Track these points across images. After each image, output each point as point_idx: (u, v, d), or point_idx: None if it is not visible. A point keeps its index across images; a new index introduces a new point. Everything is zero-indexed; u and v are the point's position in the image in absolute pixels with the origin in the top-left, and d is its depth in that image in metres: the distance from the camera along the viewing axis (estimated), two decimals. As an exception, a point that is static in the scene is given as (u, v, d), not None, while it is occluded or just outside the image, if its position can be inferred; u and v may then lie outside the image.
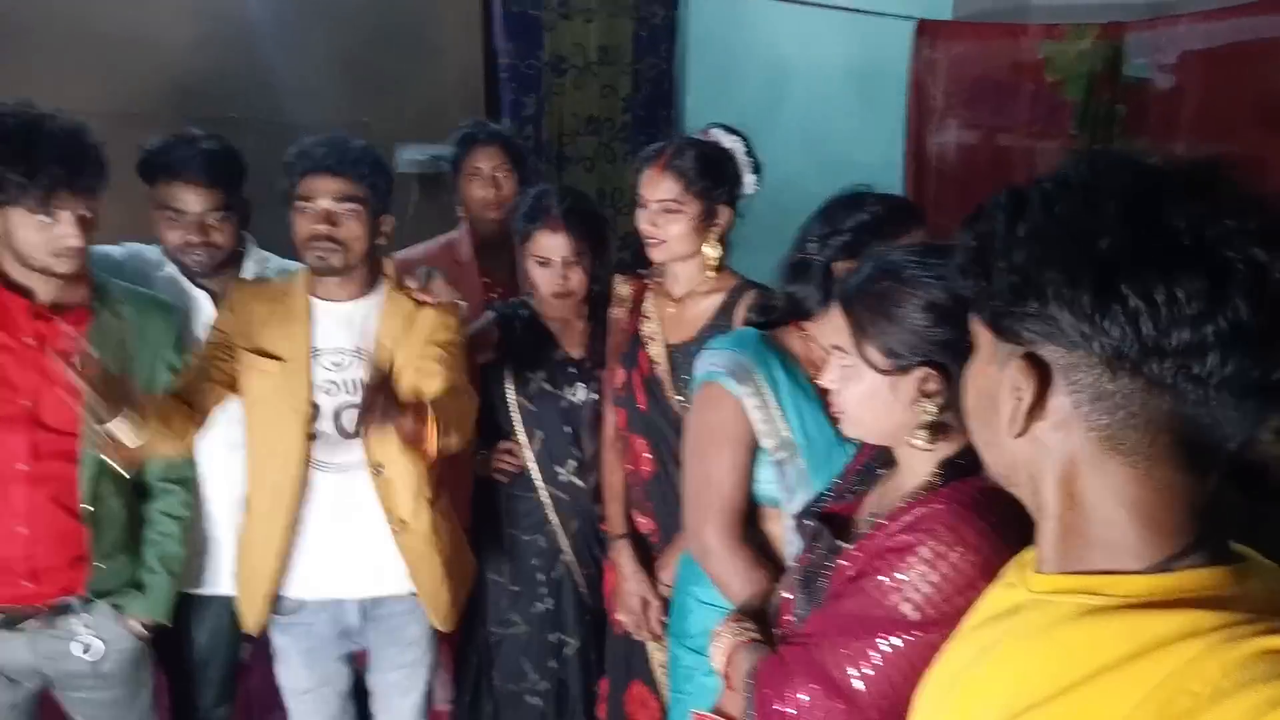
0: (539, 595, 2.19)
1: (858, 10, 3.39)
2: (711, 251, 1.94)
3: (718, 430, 1.61)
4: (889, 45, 3.34)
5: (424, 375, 1.90)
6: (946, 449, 1.15)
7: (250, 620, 1.99)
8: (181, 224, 1.99)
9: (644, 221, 1.93)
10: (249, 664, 2.34)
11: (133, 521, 1.95)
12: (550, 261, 2.05)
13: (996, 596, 0.87)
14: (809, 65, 3.69)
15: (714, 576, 1.63)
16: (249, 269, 2.14)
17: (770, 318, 1.69)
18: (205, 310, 2.07)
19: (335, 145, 1.88)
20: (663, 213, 1.90)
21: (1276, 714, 0.58)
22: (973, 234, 0.76)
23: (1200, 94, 2.87)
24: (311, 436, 1.91)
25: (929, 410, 1.12)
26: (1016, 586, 0.83)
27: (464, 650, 2.34)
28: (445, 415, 1.76)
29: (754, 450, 1.61)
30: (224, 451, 2.02)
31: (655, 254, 1.95)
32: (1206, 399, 0.67)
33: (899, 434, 1.17)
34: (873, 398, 1.16)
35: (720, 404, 1.60)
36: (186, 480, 2.01)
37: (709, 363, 1.64)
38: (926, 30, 3.29)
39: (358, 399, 1.91)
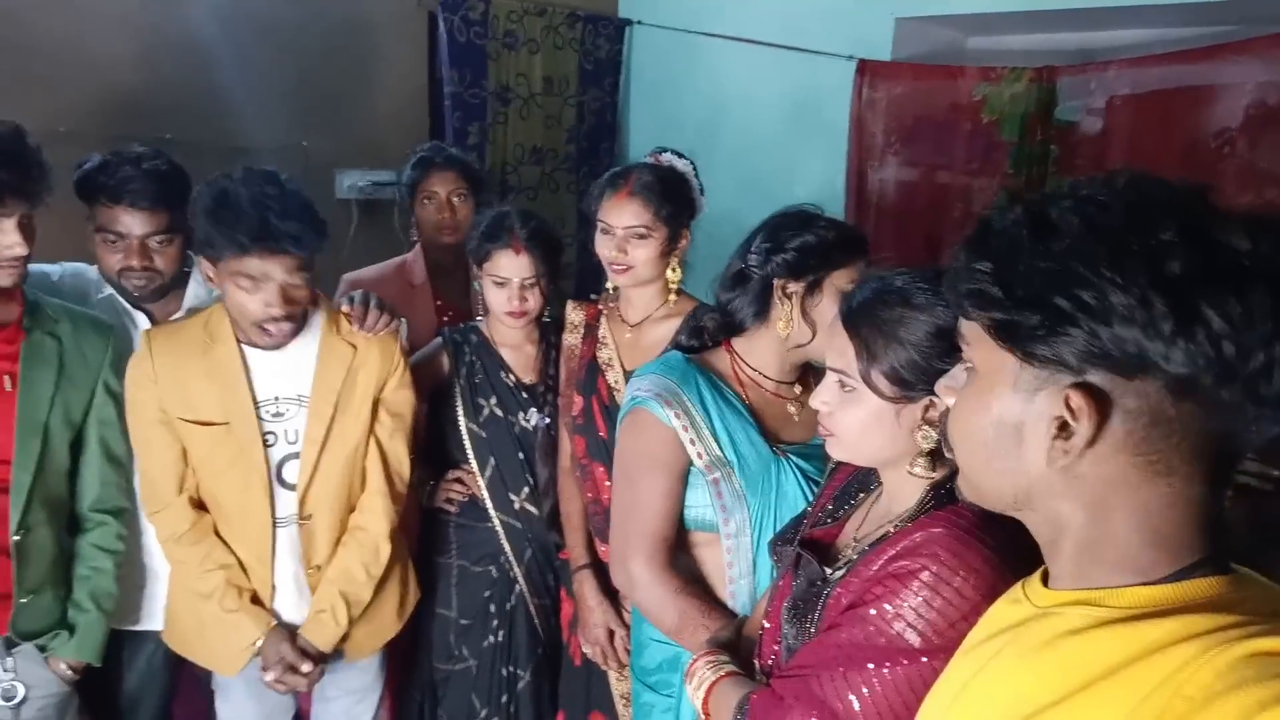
0: (491, 628, 2.12)
1: (799, 49, 3.46)
2: (673, 275, 1.94)
3: (645, 456, 1.57)
4: (829, 82, 3.41)
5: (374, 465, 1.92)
6: (937, 473, 1.13)
7: (231, 667, 1.88)
8: (121, 248, 1.88)
9: (609, 248, 1.91)
10: (176, 703, 2.22)
11: (63, 555, 1.83)
12: (508, 282, 2.02)
13: (1000, 612, 0.87)
14: (751, 101, 3.74)
15: (641, 606, 1.60)
16: (192, 291, 2.05)
17: (701, 339, 1.68)
18: (139, 323, 1.98)
19: (269, 218, 1.65)
20: (631, 238, 1.89)
21: (1266, 715, 0.58)
22: (983, 255, 0.73)
23: (1128, 136, 2.98)
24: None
25: (931, 437, 1.11)
26: (1021, 602, 0.83)
27: (407, 688, 2.25)
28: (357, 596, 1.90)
29: (684, 476, 1.58)
30: None
31: (621, 279, 1.93)
32: (1260, 417, 0.67)
33: (896, 460, 1.16)
34: (876, 423, 1.14)
35: (647, 429, 1.57)
36: (121, 511, 1.90)
37: (635, 388, 1.62)
38: (867, 70, 3.36)
39: (299, 448, 1.85)
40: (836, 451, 1.22)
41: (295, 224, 1.67)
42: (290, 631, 1.87)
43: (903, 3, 3.36)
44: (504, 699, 2.12)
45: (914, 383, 1.10)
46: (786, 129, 3.69)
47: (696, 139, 3.80)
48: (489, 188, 3.63)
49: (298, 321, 1.79)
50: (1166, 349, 0.65)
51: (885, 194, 3.46)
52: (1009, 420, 0.75)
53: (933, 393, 1.09)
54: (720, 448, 1.55)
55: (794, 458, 1.56)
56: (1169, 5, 2.81)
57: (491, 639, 2.12)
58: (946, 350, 1.08)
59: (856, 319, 1.15)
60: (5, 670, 1.75)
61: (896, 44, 3.42)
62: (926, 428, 1.11)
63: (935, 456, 1.12)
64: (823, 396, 1.19)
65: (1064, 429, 0.70)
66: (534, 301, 2.04)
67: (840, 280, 1.49)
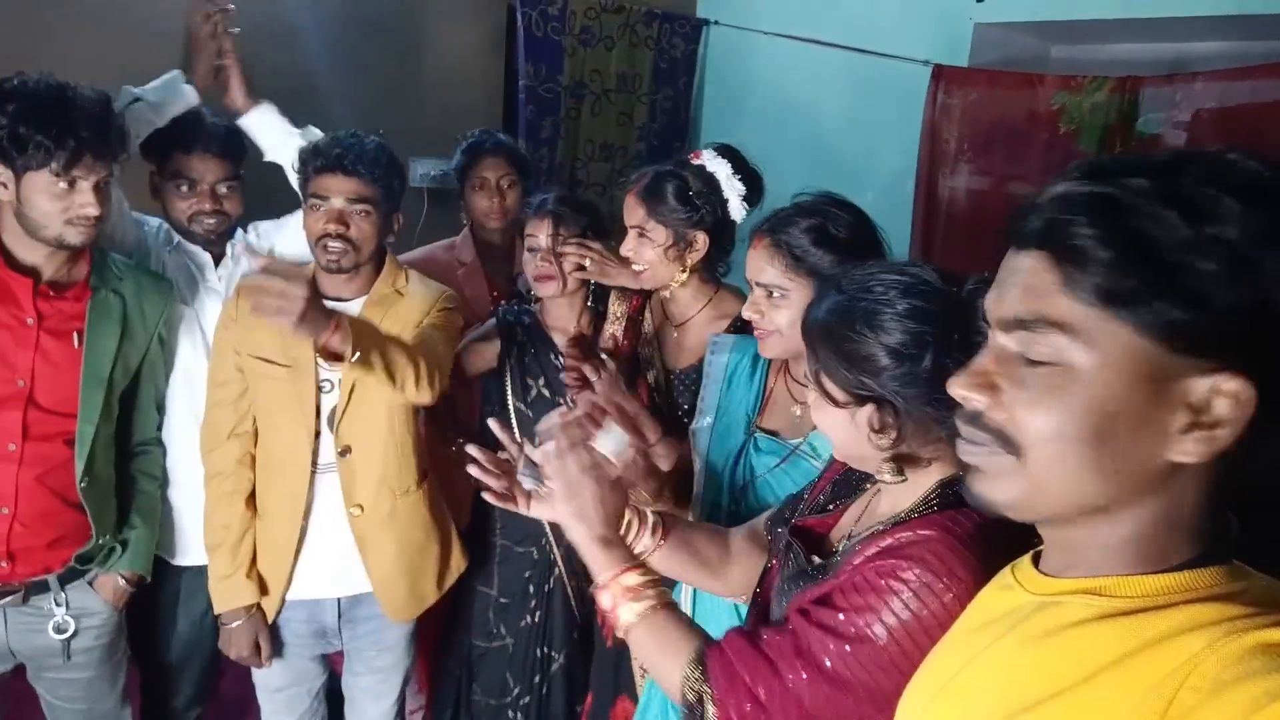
0: (529, 608, 2.15)
1: (877, 53, 3.43)
2: (680, 278, 1.95)
3: None
4: (904, 86, 3.37)
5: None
6: (941, 472, 1.10)
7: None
8: (195, 194, 2.04)
9: (623, 247, 1.95)
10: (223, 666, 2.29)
11: (118, 487, 1.96)
12: (536, 248, 2.06)
13: (991, 599, 0.86)
14: (823, 103, 3.73)
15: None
16: (239, 235, 2.18)
17: None
18: (209, 274, 2.11)
19: (350, 145, 1.87)
20: (637, 238, 1.92)
21: (1277, 706, 0.57)
22: (1112, 242, 0.67)
23: (1213, 151, 2.89)
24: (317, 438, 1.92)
25: (884, 445, 1.09)
26: (1014, 588, 0.81)
27: (445, 662, 2.29)
28: (380, 346, 1.71)
29: None
30: (189, 421, 2.03)
31: (641, 280, 1.97)
32: None
33: (872, 464, 1.14)
34: (837, 427, 1.14)
35: None
36: (159, 439, 2.04)
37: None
38: (943, 75, 3.31)
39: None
40: (836, 453, 1.22)
41: (355, 151, 1.85)
42: (262, 624, 1.97)
43: (982, 8, 3.30)
44: (536, 679, 2.15)
45: (855, 390, 1.09)
46: (858, 131, 3.66)
47: (769, 140, 3.77)
48: (559, 181, 3.69)
49: (357, 258, 1.89)
50: None
51: (956, 201, 3.40)
52: (1129, 414, 0.68)
53: (873, 400, 1.08)
54: (717, 396, 1.72)
55: (761, 445, 1.65)
56: (1258, 16, 2.71)
57: (528, 619, 2.15)
58: (888, 361, 1.06)
59: (809, 329, 1.15)
60: (58, 605, 1.85)
61: (975, 50, 3.36)
62: (876, 436, 1.09)
63: (902, 462, 1.10)
64: (809, 399, 1.20)
65: (1198, 418, 0.66)
66: (559, 270, 2.04)
67: None
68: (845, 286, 1.14)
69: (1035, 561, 0.81)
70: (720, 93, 4.10)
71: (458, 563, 2.14)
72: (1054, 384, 0.70)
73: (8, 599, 1.80)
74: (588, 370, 1.74)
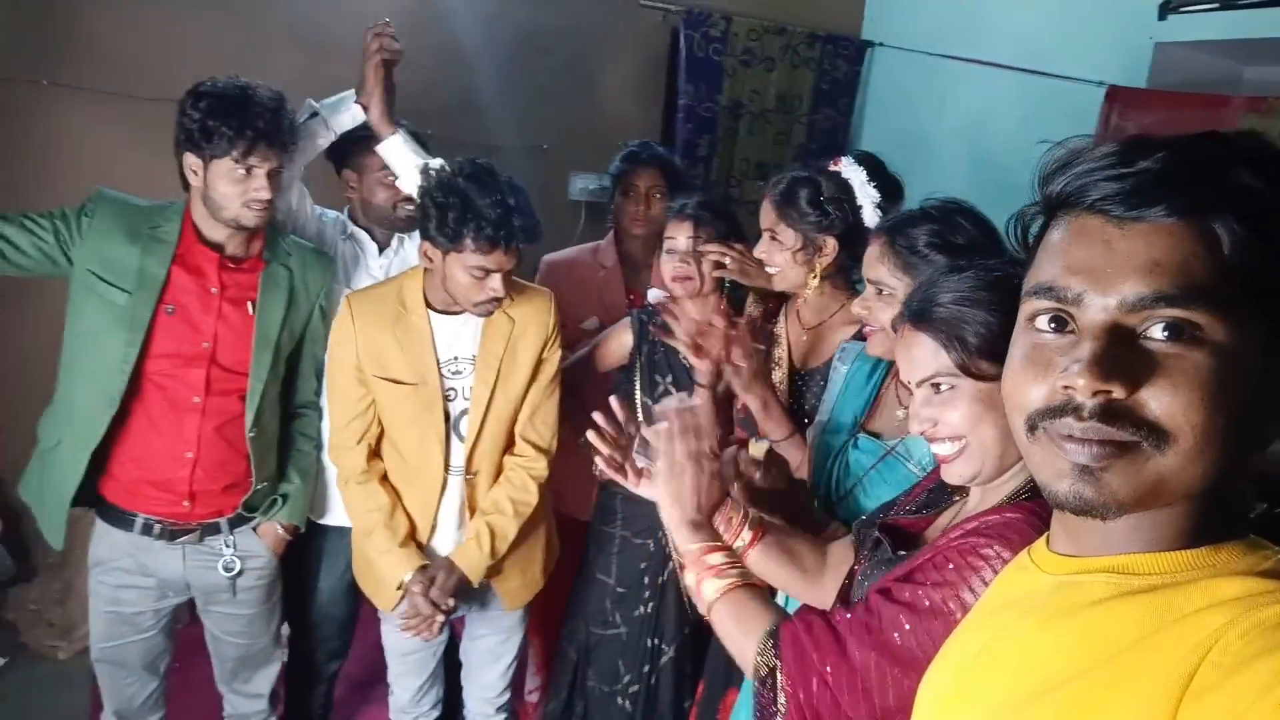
0: (642, 599, 2.21)
1: (1049, 74, 3.32)
2: (813, 282, 1.95)
3: None
4: (1075, 108, 3.24)
5: (532, 420, 2.07)
6: None
7: (386, 604, 2.08)
8: (396, 185, 2.23)
9: (756, 250, 1.99)
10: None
11: (280, 443, 2.16)
12: (675, 249, 2.10)
13: (1010, 581, 0.85)
14: (989, 125, 3.62)
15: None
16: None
17: None
18: (372, 260, 2.33)
19: (510, 222, 1.82)
20: (769, 240, 1.95)
21: None
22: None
23: None
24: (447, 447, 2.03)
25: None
26: (1029, 569, 0.80)
27: (563, 646, 2.37)
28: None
29: None
30: None
31: (775, 282, 2.00)
32: None
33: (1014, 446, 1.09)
34: (991, 407, 1.07)
35: None
36: (316, 404, 2.22)
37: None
38: (1117, 97, 3.16)
39: (469, 404, 2.03)
40: (962, 467, 1.11)
41: (530, 221, 1.87)
42: (436, 576, 2.00)
43: (1164, 27, 3.13)
44: (646, 669, 2.19)
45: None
46: (1026, 154, 3.51)
47: (931, 160, 3.72)
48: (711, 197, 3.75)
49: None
50: None
51: (1128, 229, 3.22)
52: (1255, 375, 0.65)
53: None
54: (833, 400, 1.74)
55: (860, 444, 1.63)
56: None
57: (642, 609, 2.20)
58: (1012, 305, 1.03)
59: (938, 316, 1.11)
60: (227, 546, 2.07)
61: (1155, 71, 3.20)
62: None
63: None
64: (922, 416, 1.12)
65: None
66: (695, 269, 2.07)
67: None
68: (962, 266, 1.15)
69: (1047, 542, 0.80)
70: (882, 114, 4.06)
71: (555, 550, 2.23)
72: (1201, 364, 0.64)
73: (187, 537, 2.03)
74: (742, 356, 1.78)
